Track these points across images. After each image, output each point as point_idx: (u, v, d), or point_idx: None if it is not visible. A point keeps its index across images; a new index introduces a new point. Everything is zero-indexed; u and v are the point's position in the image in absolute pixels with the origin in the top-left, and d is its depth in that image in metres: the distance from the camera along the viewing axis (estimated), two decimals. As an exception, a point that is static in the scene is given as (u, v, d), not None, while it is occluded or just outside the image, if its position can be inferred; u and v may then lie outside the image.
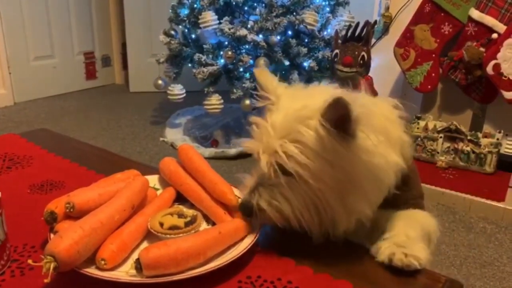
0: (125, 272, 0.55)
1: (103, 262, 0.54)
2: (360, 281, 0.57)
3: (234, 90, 2.13)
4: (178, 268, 0.54)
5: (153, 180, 0.76)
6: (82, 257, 0.53)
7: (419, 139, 2.04)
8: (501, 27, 1.85)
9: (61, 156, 0.94)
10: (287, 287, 0.56)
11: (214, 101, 2.21)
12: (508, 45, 1.79)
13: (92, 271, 0.54)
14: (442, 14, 1.96)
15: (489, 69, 1.84)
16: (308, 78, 2.21)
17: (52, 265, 0.51)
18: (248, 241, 0.61)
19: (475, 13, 1.90)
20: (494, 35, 1.85)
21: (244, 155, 2.24)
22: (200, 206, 0.68)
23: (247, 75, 2.14)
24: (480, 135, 1.95)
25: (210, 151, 2.24)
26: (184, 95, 2.42)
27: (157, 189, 0.75)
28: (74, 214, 0.60)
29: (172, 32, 2.33)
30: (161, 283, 0.53)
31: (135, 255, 0.57)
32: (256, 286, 0.56)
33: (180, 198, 0.72)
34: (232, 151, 2.23)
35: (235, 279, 0.57)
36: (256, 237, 0.62)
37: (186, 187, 0.70)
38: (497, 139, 1.93)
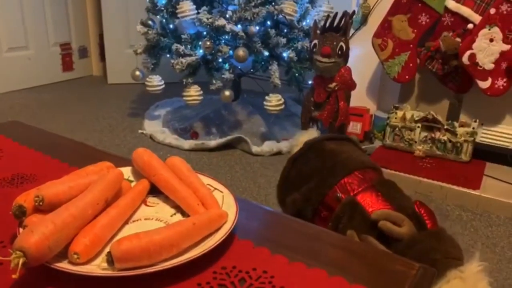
0: (97, 266, 0.54)
1: (76, 256, 0.53)
2: (334, 269, 0.58)
3: (214, 81, 2.11)
4: (150, 260, 0.53)
5: (126, 172, 0.75)
6: (53, 252, 0.52)
7: (397, 129, 2.06)
8: (476, 18, 1.87)
9: (33, 148, 0.91)
10: (262, 277, 0.56)
11: (193, 93, 2.19)
12: (483, 35, 1.82)
13: (63, 265, 0.53)
14: (419, 5, 1.97)
15: (465, 59, 1.86)
16: (288, 69, 2.21)
17: (21, 261, 0.49)
18: (223, 232, 0.60)
19: (451, 4, 1.92)
20: (470, 26, 1.87)
21: (224, 147, 2.23)
22: (173, 197, 0.67)
23: (226, 65, 2.13)
24: (456, 124, 1.98)
25: (190, 143, 2.22)
26: (163, 86, 2.39)
27: (131, 181, 0.73)
28: (44, 208, 0.58)
29: (150, 22, 2.29)
30: (133, 275, 0.52)
31: (108, 248, 0.56)
32: (231, 276, 0.56)
33: (155, 190, 0.71)
34: (212, 143, 2.22)
35: (210, 270, 0.57)
36: (231, 228, 0.61)
37: (159, 177, 0.69)
38: (473, 128, 1.96)
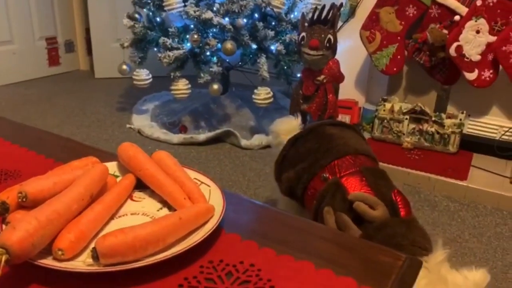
0: (83, 262, 0.53)
1: (60, 252, 0.53)
2: (321, 261, 0.58)
3: (202, 75, 2.10)
4: (136, 255, 0.52)
5: (112, 167, 0.74)
6: (37, 249, 0.51)
7: (385, 121, 2.07)
8: (463, 9, 1.88)
9: (17, 144, 0.90)
10: (249, 270, 0.56)
11: (181, 86, 2.17)
12: (470, 27, 1.83)
13: (47, 262, 0.52)
14: (407, -3, 1.98)
15: (452, 50, 1.87)
16: (276, 62, 2.21)
17: (3, 258, 0.49)
18: (209, 226, 0.60)
19: (438, -5, 1.93)
20: (457, 17, 1.88)
21: (213, 141, 2.23)
22: (160, 192, 0.67)
23: (214, 59, 2.12)
24: (444, 116, 1.99)
25: (178, 137, 2.21)
26: (150, 80, 2.37)
27: (117, 176, 0.73)
28: (28, 204, 0.57)
29: (136, 16, 2.27)
30: (119, 271, 0.52)
31: (94, 244, 0.56)
32: (218, 270, 0.56)
33: (141, 185, 0.71)
34: (201, 136, 2.21)
35: (196, 264, 0.57)
36: (218, 222, 0.61)
37: (145, 172, 0.68)
38: (460, 119, 1.98)
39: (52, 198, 0.57)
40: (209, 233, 0.58)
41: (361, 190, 1.06)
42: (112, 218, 0.64)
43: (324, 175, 1.13)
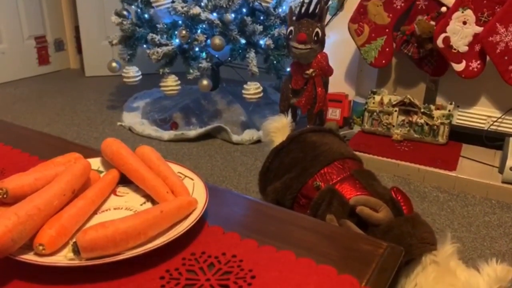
0: (64, 256, 0.54)
1: (41, 247, 0.53)
2: (302, 250, 0.58)
3: (191, 71, 2.10)
4: (117, 249, 0.53)
5: (96, 162, 0.75)
6: (17, 245, 0.52)
7: (375, 113, 2.08)
8: (449, 1, 1.89)
9: (2, 143, 0.90)
10: (231, 261, 0.57)
11: (171, 83, 2.17)
12: (457, 18, 1.84)
13: (28, 257, 0.52)
14: (394, -11, 1.98)
15: (439, 42, 1.88)
16: (266, 56, 2.21)
17: (-16, 254, 0.49)
18: (191, 219, 0.60)
19: (425, -13, 1.93)
20: (443, 9, 1.89)
21: (204, 137, 2.23)
22: (143, 186, 0.67)
23: (203, 54, 2.11)
24: (433, 107, 2.00)
25: (169, 134, 2.21)
26: (140, 77, 2.37)
27: (101, 172, 0.73)
28: (9, 201, 0.57)
29: (124, 13, 2.26)
30: (99, 264, 0.52)
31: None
32: (200, 262, 0.57)
33: (125, 180, 0.71)
34: (192, 133, 2.21)
35: (179, 256, 0.57)
36: (200, 214, 0.61)
37: (128, 167, 0.68)
38: (449, 110, 1.99)
39: (33, 194, 0.57)
40: (191, 225, 0.59)
41: (357, 194, 1.05)
42: (95, 213, 0.64)
43: (317, 182, 1.11)
